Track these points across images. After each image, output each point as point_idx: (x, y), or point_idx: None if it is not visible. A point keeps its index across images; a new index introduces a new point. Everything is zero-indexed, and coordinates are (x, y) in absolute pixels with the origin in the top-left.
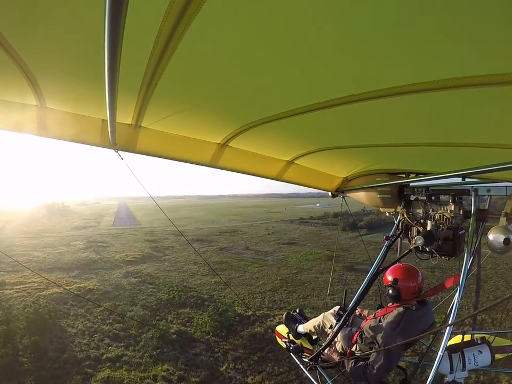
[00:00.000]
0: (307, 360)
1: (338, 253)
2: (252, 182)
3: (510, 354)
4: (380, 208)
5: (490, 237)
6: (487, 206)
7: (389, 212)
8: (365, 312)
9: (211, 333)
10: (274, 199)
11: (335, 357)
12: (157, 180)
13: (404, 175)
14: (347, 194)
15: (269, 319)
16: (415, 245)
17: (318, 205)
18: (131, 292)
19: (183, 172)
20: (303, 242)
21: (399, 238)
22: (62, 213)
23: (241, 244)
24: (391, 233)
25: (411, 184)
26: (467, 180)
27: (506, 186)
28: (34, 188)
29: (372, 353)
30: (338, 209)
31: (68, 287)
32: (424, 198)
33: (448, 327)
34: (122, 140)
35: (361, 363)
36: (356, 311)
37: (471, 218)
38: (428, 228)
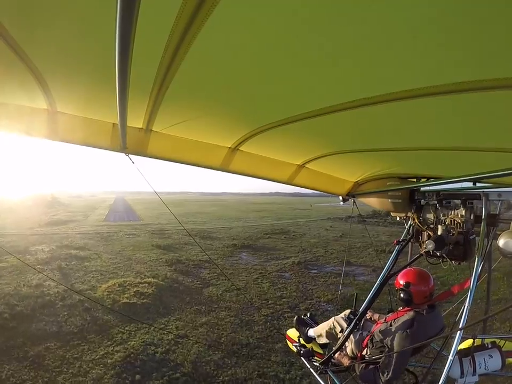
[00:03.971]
0: (318, 364)
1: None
2: (254, 180)
3: None
4: (391, 213)
5: (501, 241)
6: (498, 210)
7: (399, 217)
8: (376, 316)
9: None
10: (283, 198)
11: (346, 361)
12: (157, 176)
13: (415, 180)
14: (358, 199)
15: None
16: (425, 250)
17: (341, 203)
18: None
19: (183, 168)
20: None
21: (410, 243)
22: (49, 204)
23: (322, 253)
24: (401, 238)
25: (422, 188)
26: (478, 184)
27: None
28: (29, 180)
29: (382, 357)
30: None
31: None
32: (435, 202)
33: (458, 331)
34: (133, 144)
35: (371, 367)
36: (367, 315)
37: (482, 223)
38: (439, 233)
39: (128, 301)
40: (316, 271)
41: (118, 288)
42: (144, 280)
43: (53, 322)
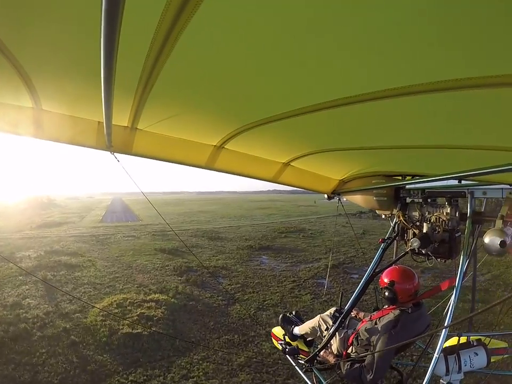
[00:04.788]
0: (303, 362)
1: None
2: (249, 179)
3: (505, 356)
4: (376, 211)
5: (487, 239)
6: (483, 208)
7: (385, 214)
8: (361, 314)
9: None
10: (281, 195)
11: (331, 359)
12: (153, 176)
13: (400, 177)
14: (343, 197)
15: None
16: (411, 247)
17: (345, 199)
18: None
19: (178, 169)
20: None
21: (395, 241)
22: (44, 206)
23: (353, 253)
24: (387, 236)
25: (407, 186)
26: (463, 182)
27: (502, 188)
28: (26, 183)
29: (368, 356)
30: None
31: None
32: (420, 200)
33: (444, 329)
34: (119, 142)
35: (356, 365)
36: (352, 313)
37: (467, 221)
38: (424, 230)
39: (130, 330)
40: (357, 275)
41: (116, 310)
42: (150, 296)
43: (26, 365)
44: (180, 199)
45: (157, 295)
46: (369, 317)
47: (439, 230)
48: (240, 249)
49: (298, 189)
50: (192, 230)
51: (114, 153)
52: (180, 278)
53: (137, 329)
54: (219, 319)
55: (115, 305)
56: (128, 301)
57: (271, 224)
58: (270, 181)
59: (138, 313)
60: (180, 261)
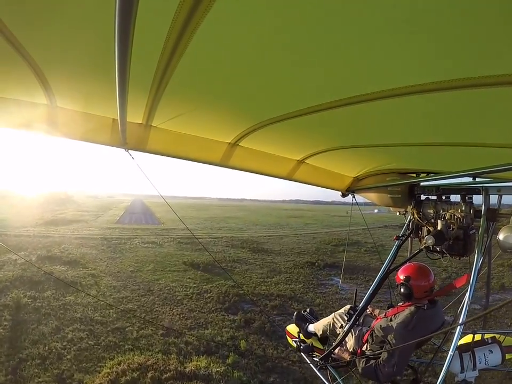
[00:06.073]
0: (317, 360)
1: None
2: (271, 187)
3: None
4: (391, 208)
5: (501, 236)
6: (497, 205)
7: (399, 212)
8: (376, 311)
9: None
10: (305, 205)
11: (346, 356)
12: (174, 180)
13: (414, 175)
14: (357, 194)
15: None
16: (425, 245)
17: (376, 211)
18: None
19: (200, 174)
20: None
21: (409, 238)
22: (60, 202)
23: (444, 274)
24: (401, 233)
25: (421, 183)
26: (478, 179)
27: None
28: (49, 179)
29: (383, 353)
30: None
31: None
32: (435, 197)
33: (458, 327)
34: (133, 139)
35: (372, 362)
36: (367, 310)
37: (482, 218)
38: (438, 228)
39: None
40: (478, 306)
41: None
42: (191, 364)
43: None
44: (202, 204)
45: (203, 362)
46: (384, 314)
47: (454, 227)
48: (298, 266)
49: (320, 199)
50: (226, 239)
51: (129, 151)
52: (232, 317)
53: None
54: None
55: None
56: (150, 374)
57: (317, 235)
58: (284, 179)
59: None
60: (222, 283)
